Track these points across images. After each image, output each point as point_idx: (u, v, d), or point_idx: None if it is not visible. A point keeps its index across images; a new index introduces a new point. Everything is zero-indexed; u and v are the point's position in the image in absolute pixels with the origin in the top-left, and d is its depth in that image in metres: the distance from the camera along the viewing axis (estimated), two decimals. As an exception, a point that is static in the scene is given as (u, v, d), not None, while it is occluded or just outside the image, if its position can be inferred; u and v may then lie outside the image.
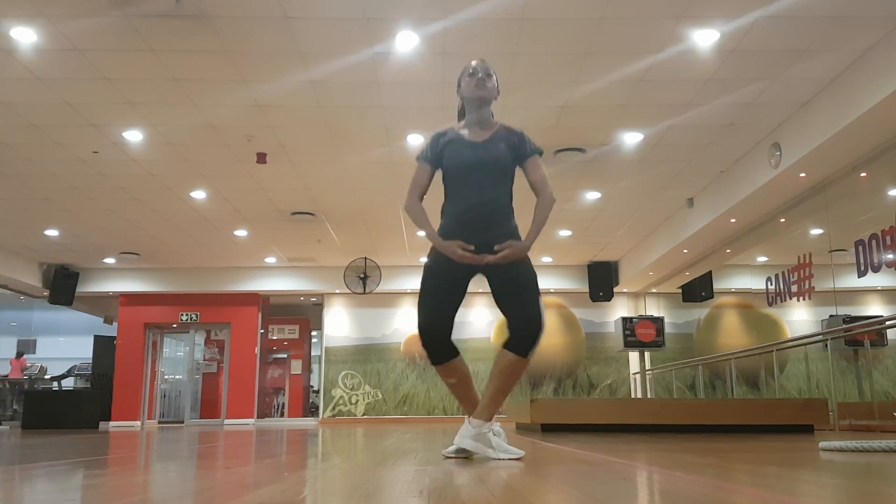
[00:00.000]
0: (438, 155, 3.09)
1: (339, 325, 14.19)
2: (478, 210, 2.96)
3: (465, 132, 3.11)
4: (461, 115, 3.23)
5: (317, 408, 15.12)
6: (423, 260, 13.45)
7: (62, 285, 13.19)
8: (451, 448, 3.00)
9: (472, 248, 2.90)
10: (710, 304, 11.82)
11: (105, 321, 16.16)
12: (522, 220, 2.91)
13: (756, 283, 9.62)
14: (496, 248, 2.91)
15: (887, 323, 7.05)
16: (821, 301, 8.05)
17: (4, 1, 5.03)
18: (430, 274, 2.99)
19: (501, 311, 2.95)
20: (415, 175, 3.11)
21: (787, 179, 7.42)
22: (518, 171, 3.11)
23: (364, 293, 12.49)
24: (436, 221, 3.05)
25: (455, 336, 3.04)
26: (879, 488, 1.84)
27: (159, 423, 14.72)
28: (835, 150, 6.62)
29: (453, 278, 2.96)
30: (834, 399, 7.17)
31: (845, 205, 7.41)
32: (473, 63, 3.15)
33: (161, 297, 14.00)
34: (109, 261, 13.08)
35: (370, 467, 2.59)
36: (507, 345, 2.91)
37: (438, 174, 3.12)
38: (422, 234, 3.01)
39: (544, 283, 13.72)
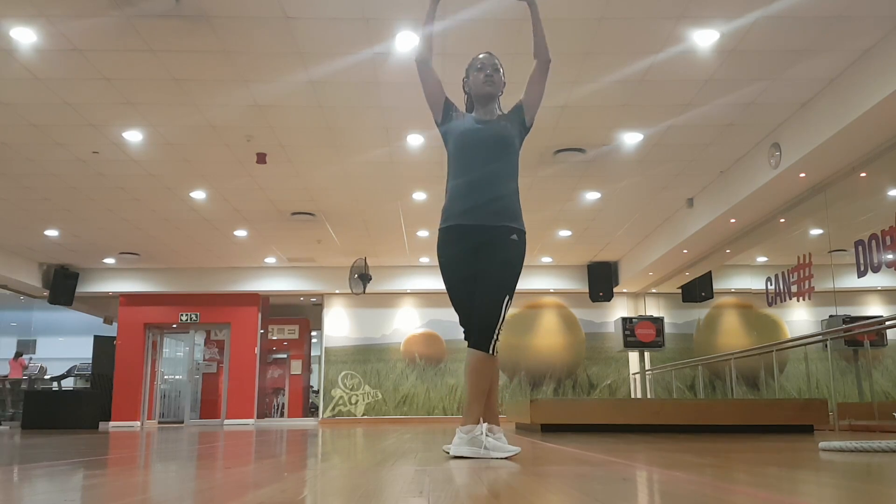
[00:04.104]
0: (449, 113, 3.22)
1: (339, 325, 14.19)
2: (481, 187, 3.04)
3: (472, 115, 3.24)
4: (468, 108, 3.32)
5: (316, 408, 15.11)
6: (424, 260, 13.38)
7: (62, 285, 13.19)
8: (450, 452, 2.99)
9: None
10: (710, 304, 11.83)
11: (105, 321, 16.15)
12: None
13: (756, 283, 9.62)
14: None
15: (887, 323, 7.05)
16: (821, 301, 8.05)
17: (4, 1, 5.03)
18: (448, 289, 3.10)
19: (473, 303, 3.01)
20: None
21: (787, 179, 7.42)
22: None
23: (363, 293, 12.49)
24: (440, 204, 3.16)
25: (453, 336, 3.11)
26: (879, 488, 1.84)
27: (159, 423, 14.71)
28: (835, 150, 6.62)
29: (465, 287, 3.03)
30: (834, 399, 7.17)
31: (845, 205, 7.41)
32: (481, 57, 3.23)
33: (161, 298, 13.99)
34: (109, 261, 13.08)
35: (370, 467, 2.59)
36: (471, 342, 2.99)
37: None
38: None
39: (544, 283, 13.73)
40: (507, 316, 2.97)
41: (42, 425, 11.33)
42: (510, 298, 2.97)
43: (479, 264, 2.99)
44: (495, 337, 2.94)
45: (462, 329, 3.09)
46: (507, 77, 3.32)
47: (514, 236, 3.01)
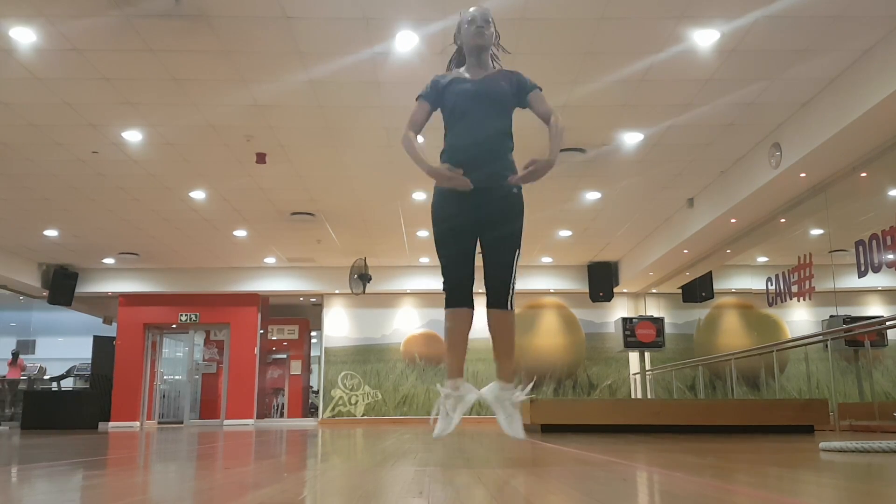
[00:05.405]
0: (439, 94, 3.15)
1: (339, 325, 14.18)
2: (478, 142, 3.04)
3: (465, 73, 3.20)
4: (454, 61, 3.30)
5: (316, 408, 15.11)
6: (424, 260, 13.22)
7: (61, 285, 13.18)
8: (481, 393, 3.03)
9: (461, 170, 2.91)
10: (711, 304, 11.82)
11: (104, 321, 16.14)
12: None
13: (756, 283, 9.61)
14: (525, 165, 2.95)
15: (887, 323, 7.05)
16: (821, 301, 8.05)
17: (4, 1, 5.03)
18: (439, 243, 3.07)
19: (483, 263, 3.03)
20: (413, 111, 3.17)
21: (788, 179, 7.42)
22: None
23: (363, 293, 12.49)
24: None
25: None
26: (879, 488, 1.83)
27: (158, 423, 14.70)
28: (835, 150, 6.62)
29: (459, 243, 3.01)
30: (834, 399, 7.16)
31: (845, 205, 7.41)
32: (472, 10, 3.19)
33: (160, 298, 13.98)
34: (109, 261, 13.07)
35: (370, 468, 2.58)
36: (489, 303, 3.03)
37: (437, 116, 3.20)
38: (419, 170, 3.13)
39: (544, 283, 13.72)
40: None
41: (41, 425, 11.33)
42: (519, 251, 3.04)
43: (482, 224, 2.99)
44: (511, 292, 3.01)
45: (445, 291, 3.06)
46: (503, 63, 3.35)
47: (515, 189, 3.05)
